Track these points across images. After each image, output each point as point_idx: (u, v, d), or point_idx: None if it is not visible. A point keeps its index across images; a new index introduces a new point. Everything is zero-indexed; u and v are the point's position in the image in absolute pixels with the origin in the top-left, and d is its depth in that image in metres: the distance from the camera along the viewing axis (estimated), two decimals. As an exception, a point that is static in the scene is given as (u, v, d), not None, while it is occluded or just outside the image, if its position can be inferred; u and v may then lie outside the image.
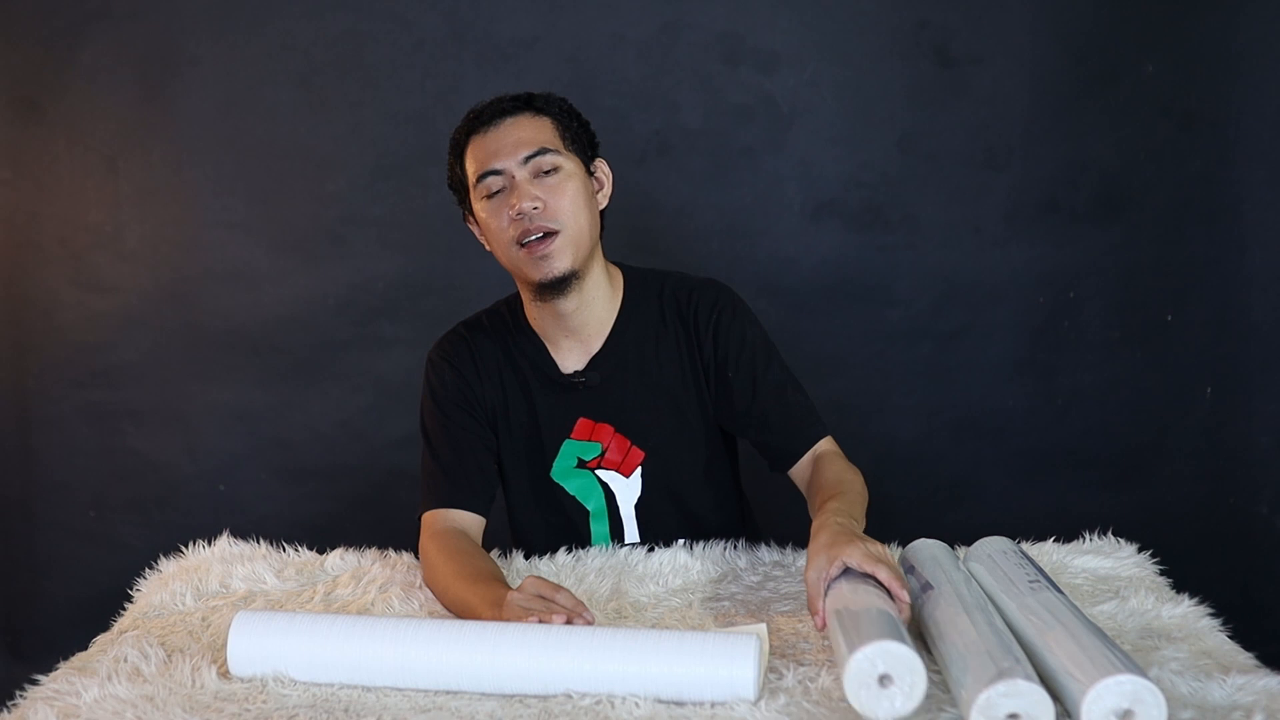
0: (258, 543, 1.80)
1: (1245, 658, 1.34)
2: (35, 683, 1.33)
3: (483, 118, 1.70)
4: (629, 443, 1.75)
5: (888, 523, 1.83)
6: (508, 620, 1.35)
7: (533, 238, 1.65)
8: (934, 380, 2.67)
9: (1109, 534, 1.77)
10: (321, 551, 1.78)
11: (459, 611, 1.50)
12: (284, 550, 1.77)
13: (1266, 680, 1.24)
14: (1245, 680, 1.23)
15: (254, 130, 2.63)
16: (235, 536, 1.80)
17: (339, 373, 2.67)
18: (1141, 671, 1.13)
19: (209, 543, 1.78)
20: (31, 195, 2.64)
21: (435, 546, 1.62)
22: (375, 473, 2.68)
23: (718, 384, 1.76)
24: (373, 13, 2.59)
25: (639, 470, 1.76)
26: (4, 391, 2.68)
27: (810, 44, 2.59)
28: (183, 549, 1.78)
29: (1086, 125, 2.59)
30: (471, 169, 1.70)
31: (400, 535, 1.86)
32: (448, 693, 1.27)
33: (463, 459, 1.72)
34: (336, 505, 2.68)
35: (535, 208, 1.64)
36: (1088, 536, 1.77)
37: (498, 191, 1.67)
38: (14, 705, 1.29)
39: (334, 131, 2.62)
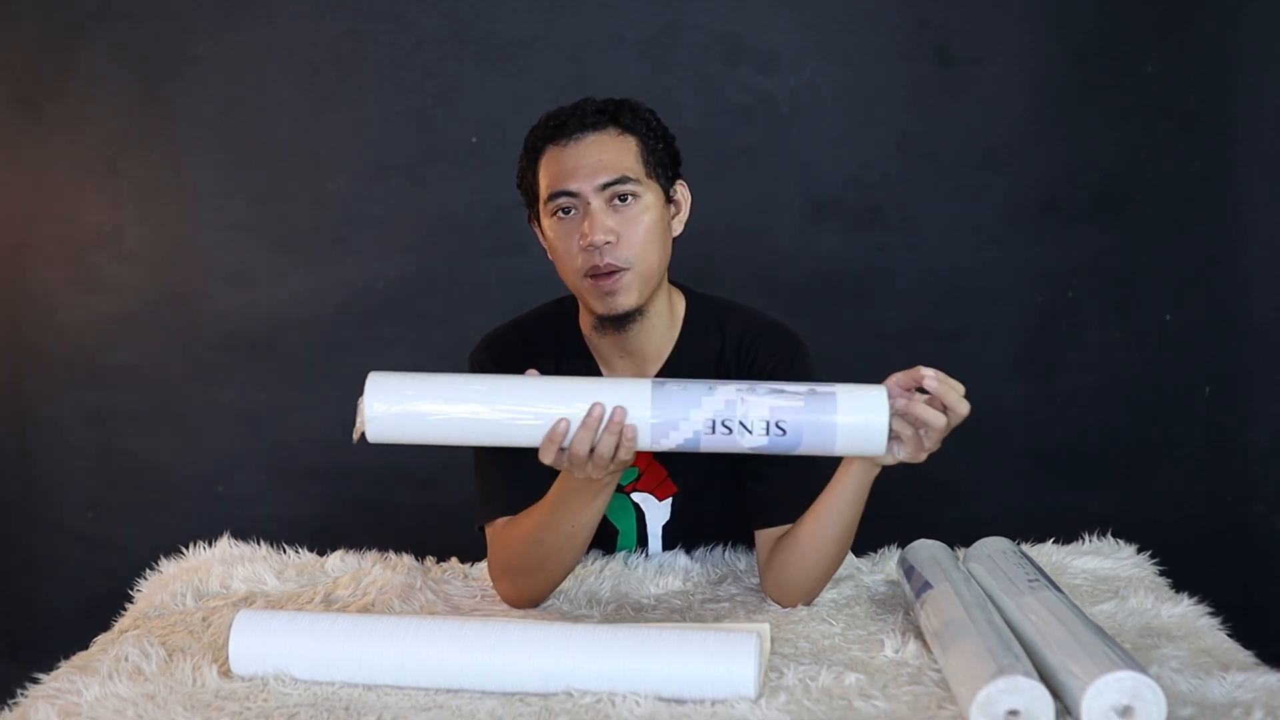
0: (258, 544, 1.80)
1: (1245, 656, 1.34)
2: (36, 682, 1.33)
3: (564, 129, 1.58)
4: (665, 473, 1.70)
5: (887, 523, 1.83)
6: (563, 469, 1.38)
7: (601, 272, 1.56)
8: (934, 380, 2.66)
9: (1109, 534, 1.77)
10: (322, 553, 1.78)
11: (547, 524, 1.50)
12: (284, 552, 1.77)
13: (1266, 678, 1.24)
14: (1245, 678, 1.23)
15: (254, 130, 2.62)
16: (235, 538, 1.80)
17: (339, 373, 2.66)
18: (1141, 668, 1.13)
19: (209, 544, 1.78)
20: (31, 195, 2.63)
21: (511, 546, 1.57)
22: (375, 474, 2.68)
23: None
24: (373, 13, 2.59)
25: (670, 500, 1.72)
26: (3, 392, 2.67)
27: (810, 44, 2.59)
28: (183, 550, 1.78)
29: (1086, 125, 2.59)
30: (545, 183, 1.59)
31: (400, 536, 1.85)
32: (448, 691, 1.27)
33: (521, 462, 1.56)
34: (336, 506, 2.68)
35: (608, 241, 1.54)
36: (1087, 537, 1.77)
37: (570, 211, 1.57)
38: (15, 704, 1.30)
39: (334, 131, 2.62)
